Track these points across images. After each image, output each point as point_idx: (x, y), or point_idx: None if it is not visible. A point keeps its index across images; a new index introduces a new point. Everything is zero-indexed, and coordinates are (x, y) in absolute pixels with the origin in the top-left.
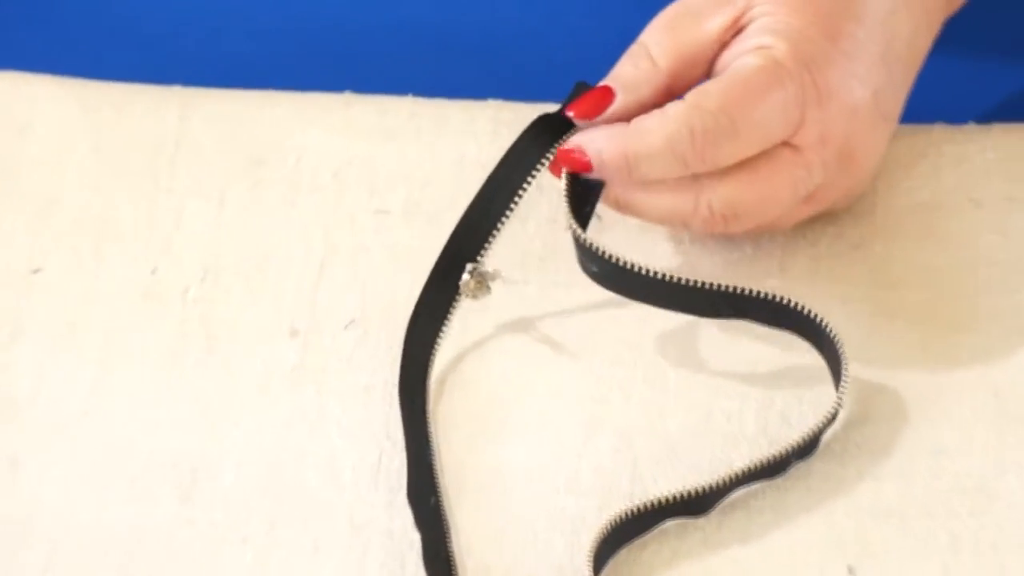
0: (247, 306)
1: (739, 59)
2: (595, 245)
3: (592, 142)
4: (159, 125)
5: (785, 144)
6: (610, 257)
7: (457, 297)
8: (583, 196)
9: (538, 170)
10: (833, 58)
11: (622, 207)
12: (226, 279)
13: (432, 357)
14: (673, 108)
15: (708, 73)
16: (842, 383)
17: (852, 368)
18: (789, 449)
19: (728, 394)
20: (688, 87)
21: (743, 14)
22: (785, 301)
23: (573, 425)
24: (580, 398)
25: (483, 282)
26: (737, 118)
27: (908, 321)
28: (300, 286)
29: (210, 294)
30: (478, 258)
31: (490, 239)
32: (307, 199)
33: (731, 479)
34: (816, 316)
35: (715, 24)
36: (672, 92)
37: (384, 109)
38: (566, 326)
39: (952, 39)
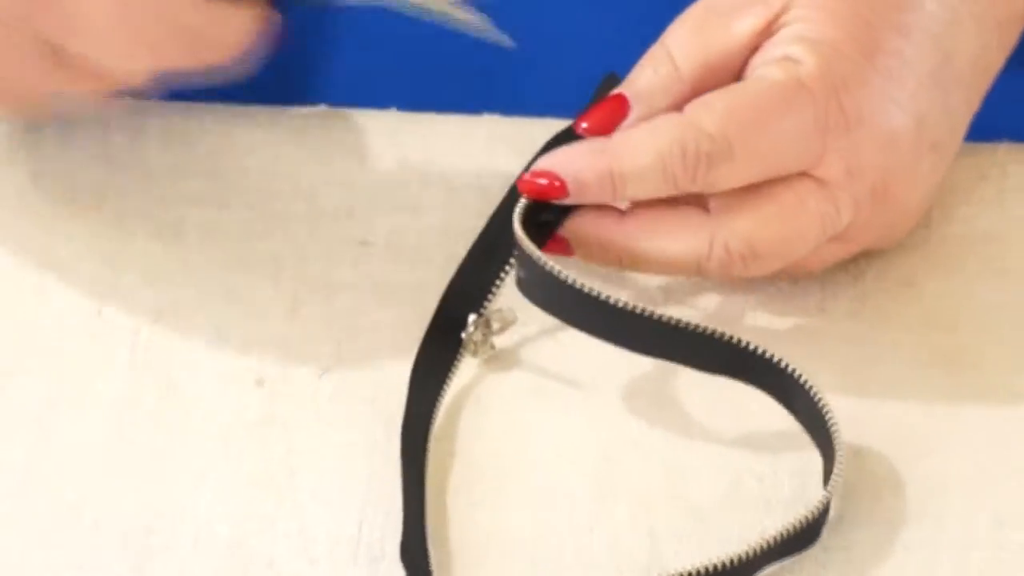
0: (206, 351)
1: (759, 69)
2: (527, 243)
3: (567, 163)
4: (105, 145)
5: (808, 176)
6: (540, 261)
7: (460, 353)
8: (544, 214)
9: None
10: (868, 79)
11: (625, 263)
12: (182, 320)
13: (434, 418)
14: (665, 121)
15: (737, 79)
16: (837, 464)
17: (909, 417)
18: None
19: (760, 453)
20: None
21: (778, 17)
22: (747, 347)
23: (583, 488)
24: (591, 457)
25: (488, 336)
26: (737, 143)
27: (967, 368)
28: (268, 328)
29: (164, 338)
30: (481, 310)
31: (495, 286)
32: (276, 228)
33: (763, 550)
34: (789, 367)
35: (746, 26)
36: (689, 101)
37: (364, 125)
38: (573, 373)
39: (1020, 46)
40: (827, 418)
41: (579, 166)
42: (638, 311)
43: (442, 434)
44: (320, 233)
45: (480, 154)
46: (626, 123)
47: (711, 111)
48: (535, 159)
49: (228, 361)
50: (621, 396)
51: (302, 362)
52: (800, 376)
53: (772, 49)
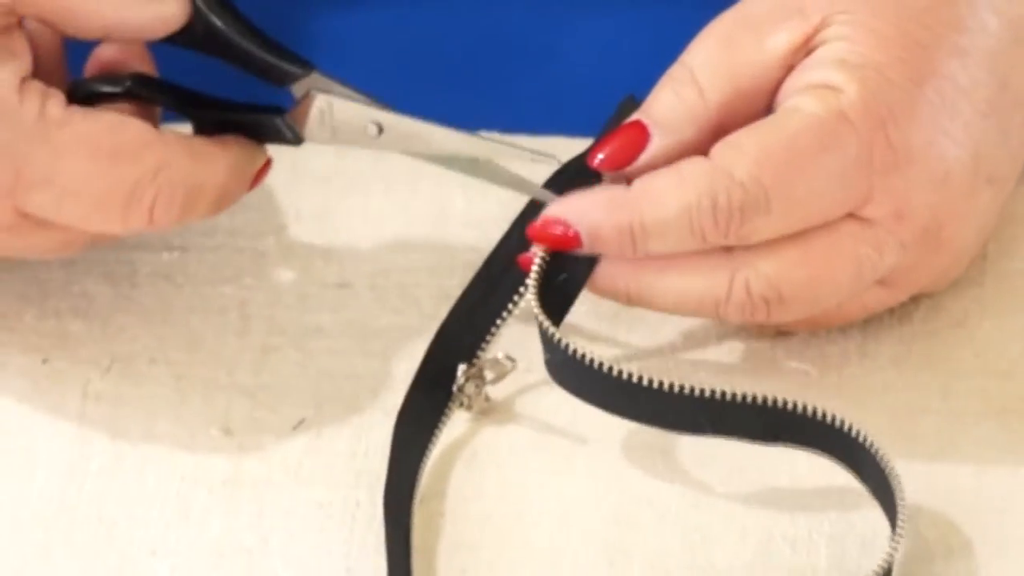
0: (166, 402)
1: (794, 98)
2: (547, 324)
3: (582, 214)
4: None
5: (852, 215)
6: (563, 344)
7: (449, 406)
8: (562, 274)
9: None
10: (919, 110)
11: (633, 298)
12: (138, 369)
13: (421, 476)
14: (692, 168)
15: (769, 104)
16: (899, 521)
17: (961, 476)
18: None
19: (793, 513)
20: (746, 123)
21: (816, 31)
22: (799, 409)
23: (591, 554)
24: (599, 519)
25: (481, 387)
26: (774, 192)
27: None
28: (235, 376)
29: (117, 387)
30: (474, 359)
31: (491, 332)
32: (244, 266)
33: None
34: (852, 429)
35: (780, 42)
36: (724, 130)
37: (343, 151)
38: (578, 425)
39: None
40: (891, 480)
41: (596, 218)
42: (677, 390)
43: (430, 494)
44: (293, 272)
45: (474, 181)
46: (646, 155)
47: (742, 155)
48: (545, 202)
49: (189, 413)
50: (632, 450)
51: (274, 413)
52: (863, 437)
53: (808, 73)
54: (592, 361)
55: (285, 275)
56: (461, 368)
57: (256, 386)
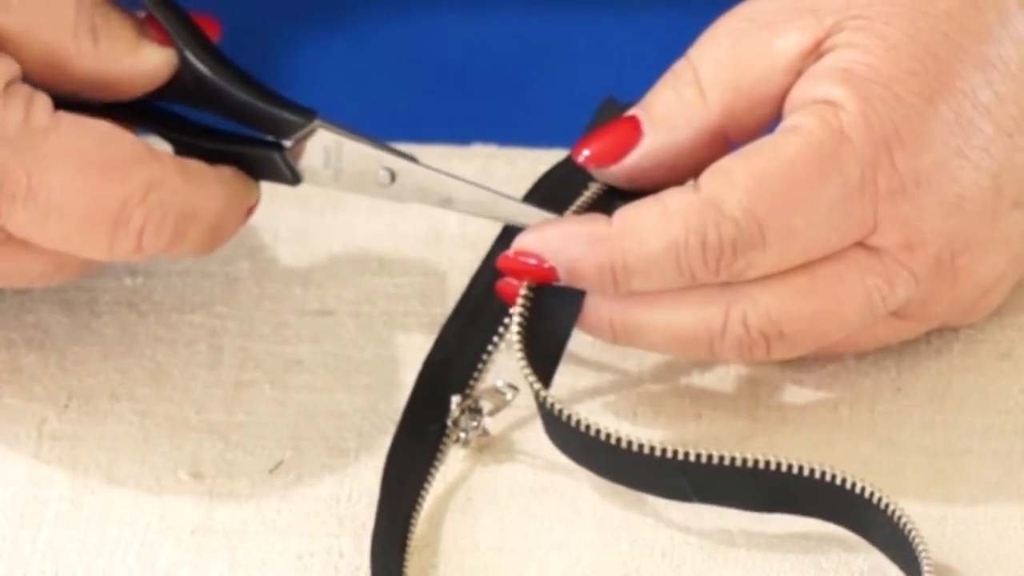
0: (130, 442)
1: (792, 116)
2: (544, 394)
3: (559, 249)
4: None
5: (859, 244)
6: (556, 410)
7: (444, 443)
8: (551, 311)
9: None
10: (928, 128)
11: (619, 335)
12: (98, 405)
13: (413, 524)
14: (678, 202)
15: (777, 111)
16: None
17: (1005, 529)
18: None
19: (819, 565)
20: (750, 131)
21: (828, 35)
22: (801, 472)
23: None
24: (608, 570)
25: (479, 420)
26: (769, 224)
27: None
28: (205, 414)
29: (76, 427)
30: (468, 389)
31: (483, 359)
32: (215, 293)
33: None
34: (878, 498)
35: (790, 44)
36: (726, 136)
37: None
38: (576, 471)
39: None
40: (916, 547)
41: (573, 254)
42: (657, 453)
43: (423, 543)
44: (269, 299)
45: None
46: (636, 153)
47: (733, 186)
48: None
49: (155, 455)
50: (643, 500)
51: (247, 455)
52: (882, 501)
53: (810, 85)
54: (592, 428)
55: (260, 302)
56: (455, 400)
57: (228, 425)
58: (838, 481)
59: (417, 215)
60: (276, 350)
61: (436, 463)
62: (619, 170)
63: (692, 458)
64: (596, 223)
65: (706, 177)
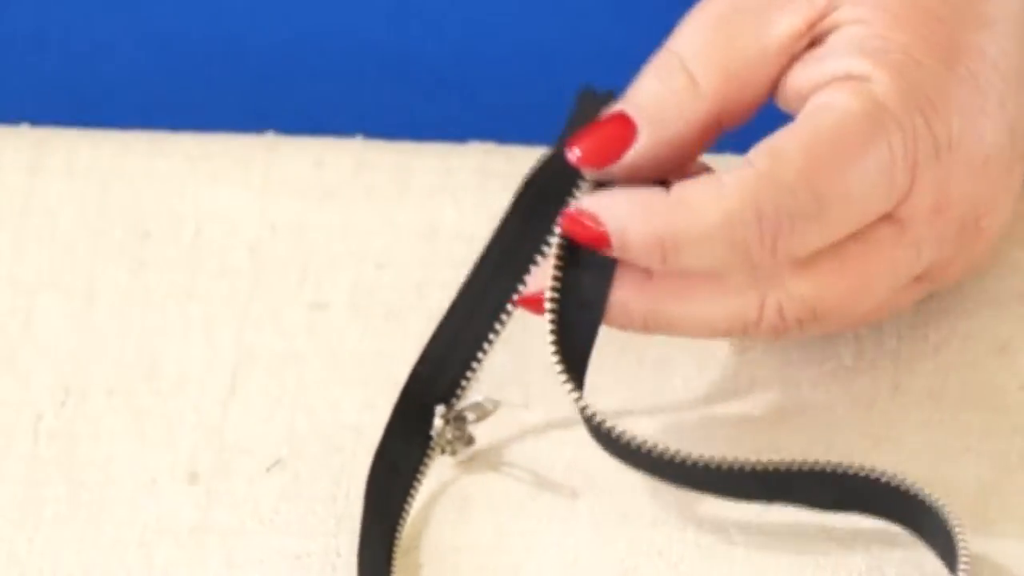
0: (126, 440)
1: (820, 95)
2: (590, 409)
3: (612, 213)
4: None
5: (885, 217)
6: (605, 429)
7: (430, 451)
8: (578, 312)
9: (536, 265)
10: (954, 90)
11: (651, 325)
12: (96, 403)
13: (400, 527)
14: (734, 177)
15: (767, 96)
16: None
17: (1004, 527)
18: None
19: (819, 564)
20: (740, 116)
21: (822, 16)
22: (861, 474)
23: None
24: (605, 567)
25: (464, 430)
26: (825, 193)
27: None
28: (202, 411)
29: (73, 424)
30: (453, 399)
31: (469, 372)
32: (211, 287)
33: None
34: (917, 491)
35: (781, 29)
36: (719, 124)
37: (322, 158)
38: (584, 469)
39: None
40: (958, 547)
41: (627, 221)
42: (714, 465)
43: (416, 543)
44: (265, 293)
45: (465, 192)
46: (633, 152)
47: (788, 160)
48: (510, 209)
49: (152, 453)
50: (640, 498)
51: (245, 453)
52: (937, 502)
53: (825, 64)
54: (631, 440)
55: (255, 295)
56: (439, 410)
57: (225, 422)
58: (894, 484)
59: (415, 208)
60: (273, 343)
61: (422, 472)
62: (617, 169)
63: (761, 468)
64: (653, 193)
65: (757, 153)
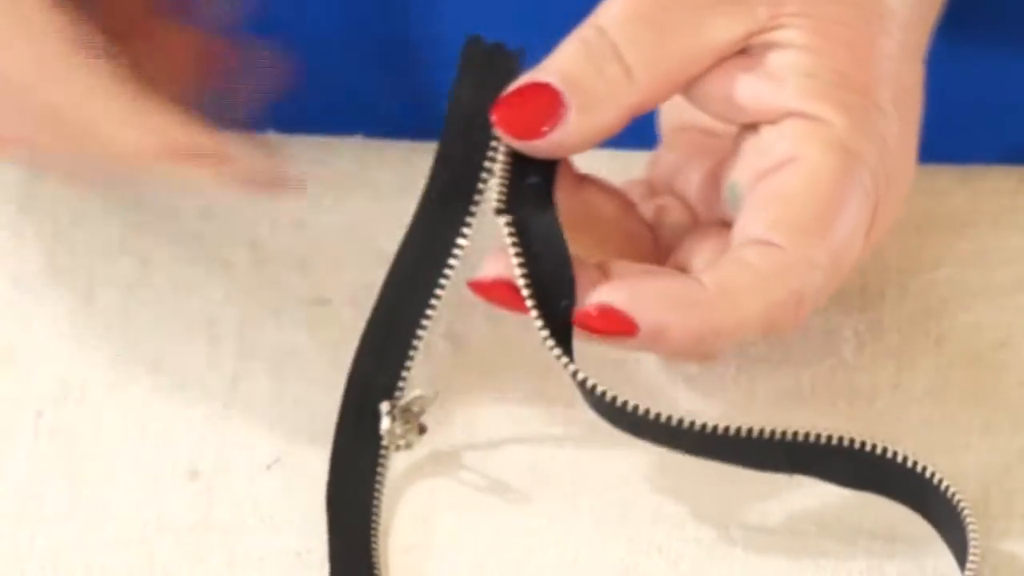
0: (127, 437)
1: (781, 139)
2: (591, 381)
3: (647, 310)
4: None
5: None
6: (608, 397)
7: (383, 450)
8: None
9: (460, 248)
10: (890, 121)
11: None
12: (96, 399)
13: (374, 530)
14: (769, 262)
15: (686, 87)
16: (970, 562)
17: (1007, 524)
18: None
19: (819, 562)
20: (653, 108)
21: (763, 30)
22: (867, 448)
23: None
24: (605, 565)
25: (413, 422)
26: (841, 255)
27: None
28: (202, 408)
29: (73, 421)
30: (396, 392)
31: (406, 363)
32: (212, 281)
33: None
34: (922, 468)
35: (720, 35)
36: (635, 115)
37: (322, 155)
38: (584, 467)
39: None
40: (967, 529)
41: (666, 319)
42: (733, 431)
43: (415, 542)
44: (267, 287)
45: None
46: (561, 132)
47: (811, 234)
48: (425, 193)
49: (152, 450)
50: (640, 495)
51: (245, 450)
52: (941, 483)
53: (776, 92)
54: (635, 408)
55: (258, 290)
56: (383, 407)
57: (226, 419)
58: (916, 469)
59: (415, 202)
60: (274, 338)
61: (380, 472)
62: (543, 144)
63: (790, 437)
64: (690, 285)
65: (771, 229)
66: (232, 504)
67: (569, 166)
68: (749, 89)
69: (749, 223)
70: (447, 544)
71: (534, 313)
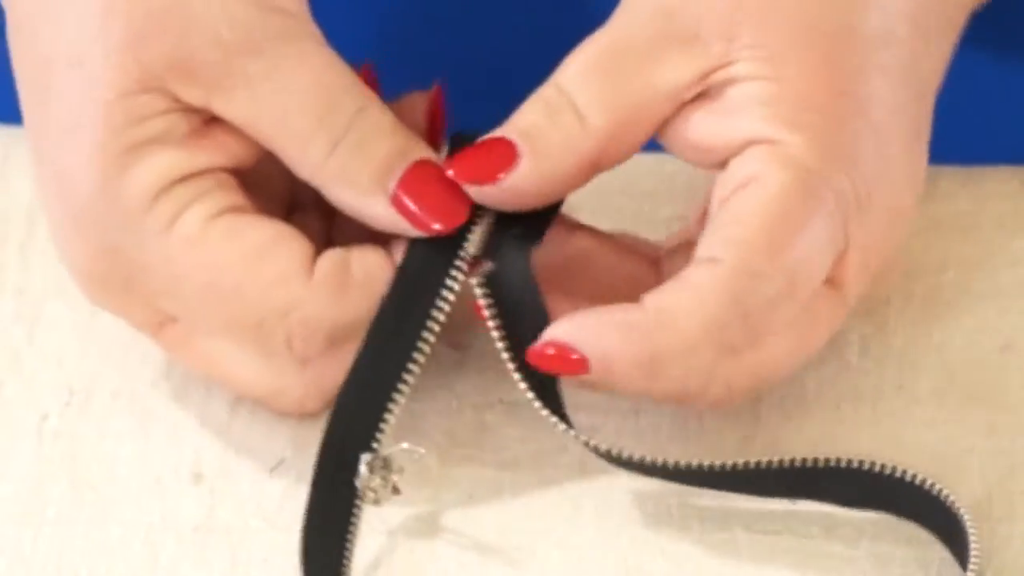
0: (131, 440)
1: (740, 165)
2: (593, 442)
3: (589, 340)
4: (5, 195)
5: (825, 282)
6: (603, 449)
7: (358, 503)
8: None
9: (446, 302)
10: (865, 142)
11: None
12: (100, 403)
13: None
14: (707, 277)
15: (648, 139)
16: (971, 563)
17: (1010, 527)
18: None
19: (825, 567)
20: (621, 157)
21: (717, 68)
22: (865, 467)
23: None
24: (608, 566)
25: (388, 479)
26: (794, 269)
27: None
28: (206, 411)
29: (77, 424)
30: (374, 444)
31: (386, 416)
32: None
33: None
34: (924, 481)
35: (674, 76)
36: (599, 165)
37: None
38: (587, 465)
39: None
40: (968, 538)
41: (609, 346)
42: (740, 467)
43: (420, 541)
44: None
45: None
46: (515, 177)
47: (753, 247)
48: (408, 254)
49: (157, 453)
50: (644, 496)
51: (249, 453)
52: (941, 493)
53: (735, 124)
54: (646, 460)
55: None
56: (364, 458)
57: (230, 422)
58: (918, 483)
59: None
60: None
61: (353, 526)
62: (496, 192)
63: (787, 464)
64: (630, 311)
65: (716, 247)
66: (236, 507)
67: (561, 218)
68: (709, 129)
69: (701, 245)
70: (453, 543)
71: (517, 376)
